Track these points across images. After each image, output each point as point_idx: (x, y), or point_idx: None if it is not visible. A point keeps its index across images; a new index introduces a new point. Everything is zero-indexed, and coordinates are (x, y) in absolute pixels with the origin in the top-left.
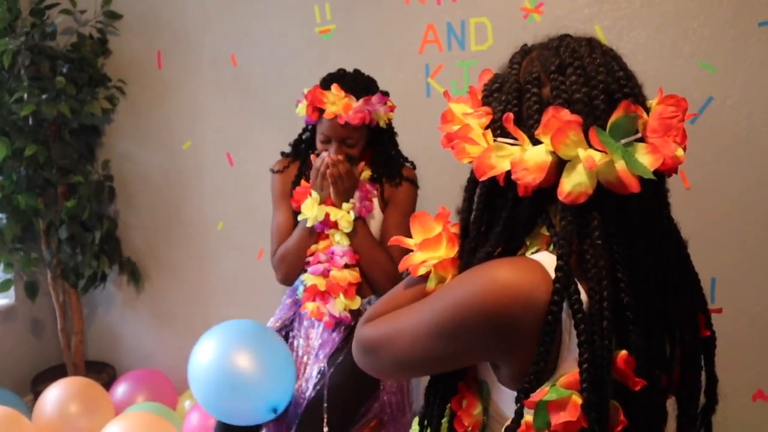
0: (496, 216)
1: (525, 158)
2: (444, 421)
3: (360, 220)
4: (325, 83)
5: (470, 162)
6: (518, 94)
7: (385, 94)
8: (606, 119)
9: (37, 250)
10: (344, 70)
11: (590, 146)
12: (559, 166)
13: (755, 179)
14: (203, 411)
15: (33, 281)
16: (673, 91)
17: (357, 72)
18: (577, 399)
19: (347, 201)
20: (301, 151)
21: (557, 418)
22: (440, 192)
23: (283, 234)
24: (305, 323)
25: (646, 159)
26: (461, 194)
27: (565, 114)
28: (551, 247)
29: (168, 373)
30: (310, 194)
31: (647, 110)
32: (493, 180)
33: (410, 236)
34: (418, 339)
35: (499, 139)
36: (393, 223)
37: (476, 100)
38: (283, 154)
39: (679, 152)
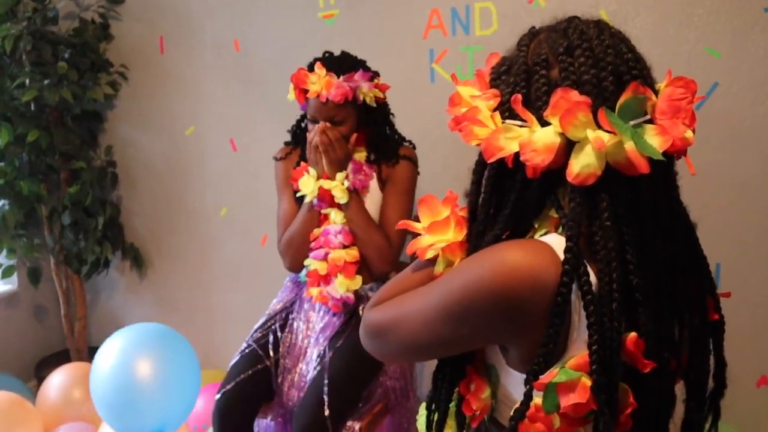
0: (505, 198)
1: (534, 139)
2: (452, 405)
3: (354, 194)
4: (310, 66)
5: (478, 144)
6: (526, 76)
7: (374, 73)
8: (615, 101)
9: (39, 236)
10: (330, 53)
11: (599, 127)
12: (568, 147)
13: (760, 166)
14: (207, 396)
15: (36, 267)
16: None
17: (343, 53)
18: (587, 381)
19: (340, 171)
20: (300, 137)
21: (566, 400)
22: (444, 176)
23: (288, 221)
24: (306, 306)
25: (655, 140)
26: (467, 178)
27: (574, 95)
28: (560, 229)
29: None
30: (307, 171)
31: (656, 93)
32: (501, 162)
33: (409, 214)
34: (426, 322)
35: (507, 120)
36: (391, 201)
37: (484, 82)
38: (286, 143)
39: (688, 134)
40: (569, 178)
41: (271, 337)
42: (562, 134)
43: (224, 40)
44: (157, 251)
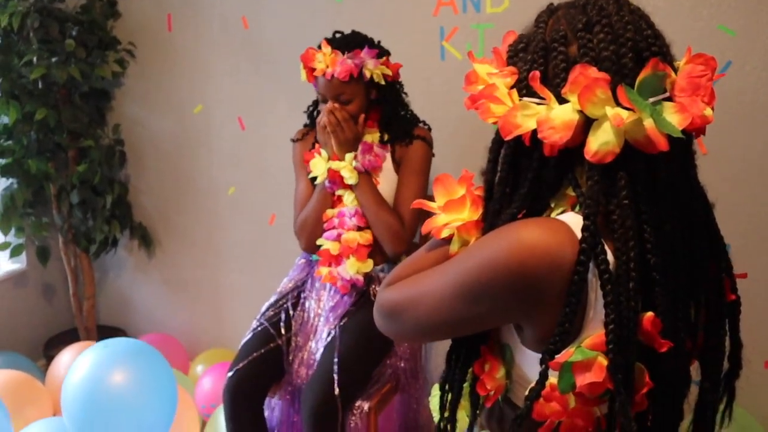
0: (522, 177)
1: (551, 117)
2: (465, 385)
3: (364, 175)
4: (319, 46)
5: (495, 122)
6: (544, 53)
7: (383, 51)
8: (634, 78)
9: (48, 214)
10: (341, 32)
11: (618, 104)
12: (586, 125)
13: None
14: (215, 376)
15: (44, 246)
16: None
17: (353, 32)
18: (603, 360)
19: (349, 152)
20: (316, 118)
21: (582, 380)
22: (455, 156)
23: (303, 202)
24: (317, 285)
25: (675, 118)
26: (477, 157)
27: (593, 72)
28: (576, 207)
29: (179, 338)
30: (319, 153)
31: (675, 70)
32: (518, 140)
33: (424, 194)
34: (441, 301)
35: (525, 98)
36: (405, 182)
37: (501, 60)
38: (305, 125)
39: (708, 112)
40: (587, 156)
41: (283, 316)
42: (580, 111)
43: (232, 17)
44: (165, 230)
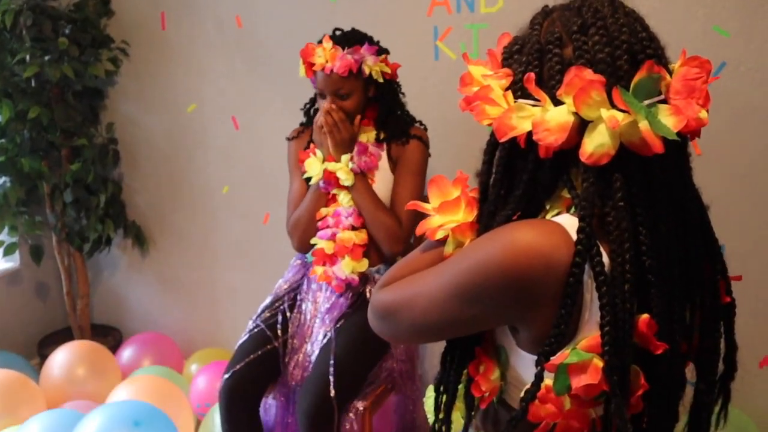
0: (517, 179)
1: (547, 119)
2: (460, 387)
3: (360, 176)
4: (320, 42)
5: (490, 124)
6: (539, 55)
7: (382, 49)
8: (629, 80)
9: (41, 213)
10: (341, 29)
11: (613, 106)
12: (581, 127)
13: (767, 146)
14: (210, 375)
15: (38, 245)
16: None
17: (353, 29)
18: (598, 362)
19: (345, 153)
20: (312, 116)
21: (578, 382)
22: (449, 155)
23: (297, 201)
24: (313, 286)
25: (670, 120)
26: (471, 157)
27: (588, 74)
28: (572, 209)
29: (173, 337)
30: (314, 153)
31: (670, 72)
32: (513, 142)
33: (420, 194)
34: (436, 302)
35: (520, 100)
36: (401, 182)
37: (496, 62)
38: (301, 123)
39: (703, 114)
40: (583, 158)
41: (279, 317)
42: (575, 113)
43: (226, 16)
44: (159, 229)
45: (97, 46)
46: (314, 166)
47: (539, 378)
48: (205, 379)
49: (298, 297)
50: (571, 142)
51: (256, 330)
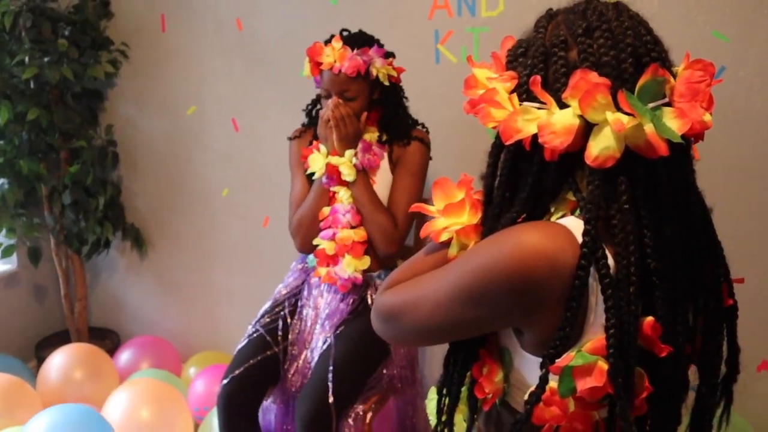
0: (521, 181)
1: (552, 121)
2: (463, 389)
3: (362, 173)
4: (327, 41)
5: (495, 127)
6: (544, 58)
7: (389, 53)
8: (634, 83)
9: (39, 215)
10: (348, 30)
11: (618, 109)
12: (586, 130)
13: (766, 151)
14: (208, 378)
15: (36, 247)
16: None
17: (360, 31)
18: (603, 365)
19: (350, 148)
20: (314, 117)
21: (583, 384)
22: (449, 158)
23: (299, 201)
24: (314, 292)
25: (674, 123)
26: (471, 160)
27: (594, 77)
28: (576, 212)
29: (171, 340)
30: (318, 149)
31: (674, 76)
32: (518, 144)
33: (419, 196)
34: (441, 305)
35: (525, 103)
36: (400, 183)
37: (500, 65)
38: (303, 124)
39: (707, 117)
40: (588, 161)
41: (279, 323)
42: (580, 116)
43: (226, 18)
44: (157, 232)
45: (96, 48)
46: (318, 161)
47: (544, 380)
48: (203, 382)
49: (299, 302)
50: (576, 145)
51: (255, 335)
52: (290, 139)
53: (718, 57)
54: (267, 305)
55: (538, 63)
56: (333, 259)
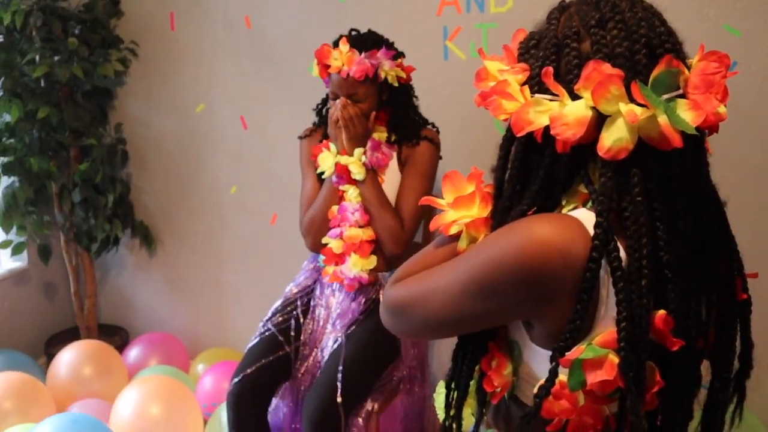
0: (533, 174)
1: (564, 113)
2: (471, 383)
3: (371, 172)
4: (335, 42)
5: (506, 119)
6: (557, 50)
7: (399, 53)
8: (647, 74)
9: (49, 213)
10: (357, 30)
11: (632, 101)
12: (599, 121)
13: None
14: (217, 375)
15: (46, 244)
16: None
17: (369, 31)
18: (614, 358)
19: (359, 147)
20: (325, 116)
21: (593, 377)
22: (457, 155)
23: (310, 200)
24: (327, 291)
25: (689, 115)
26: (479, 157)
27: (607, 68)
28: (588, 204)
29: (180, 337)
30: (328, 148)
31: (688, 68)
32: (530, 137)
33: (428, 196)
34: (451, 297)
35: (537, 94)
36: (409, 183)
37: (512, 57)
38: (314, 124)
39: (722, 109)
40: (600, 153)
41: (292, 323)
42: (593, 108)
43: (235, 16)
44: (166, 229)
45: (106, 46)
46: (327, 160)
47: (554, 373)
48: (212, 379)
49: (312, 302)
50: (588, 136)
51: (267, 334)
52: (301, 138)
53: (730, 51)
54: (278, 303)
55: (550, 55)
56: (340, 258)
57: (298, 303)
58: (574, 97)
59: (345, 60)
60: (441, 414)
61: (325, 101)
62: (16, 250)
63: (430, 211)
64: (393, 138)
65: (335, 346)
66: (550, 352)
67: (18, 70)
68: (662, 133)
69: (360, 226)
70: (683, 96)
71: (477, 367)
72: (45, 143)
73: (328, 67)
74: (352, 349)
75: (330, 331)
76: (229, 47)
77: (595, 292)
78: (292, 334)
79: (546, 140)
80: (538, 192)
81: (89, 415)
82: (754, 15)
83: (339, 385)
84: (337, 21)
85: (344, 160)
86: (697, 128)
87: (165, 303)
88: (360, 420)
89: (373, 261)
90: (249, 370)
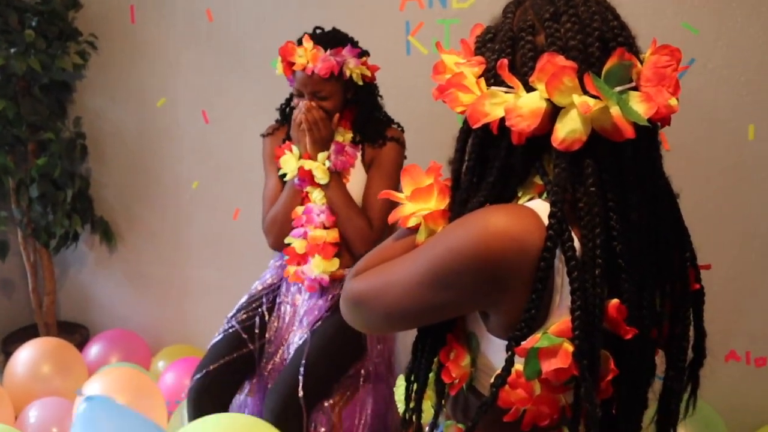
0: (489, 165)
1: (519, 105)
2: (431, 375)
3: (335, 175)
4: (299, 41)
5: (463, 111)
6: (512, 43)
7: (363, 51)
8: (600, 67)
9: (6, 208)
10: (321, 28)
11: (585, 93)
12: (554, 113)
13: (732, 142)
14: (178, 371)
15: (3, 240)
16: None
17: (334, 29)
18: (569, 347)
19: (323, 151)
20: (289, 115)
21: (548, 366)
22: (420, 150)
23: (273, 199)
24: (292, 288)
25: (641, 107)
26: (442, 150)
27: (560, 60)
28: (544, 195)
29: (141, 334)
30: (290, 150)
31: (641, 62)
32: (486, 128)
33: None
34: (410, 289)
35: (493, 87)
36: (374, 184)
37: (469, 51)
38: (276, 120)
39: (673, 101)
40: (554, 144)
41: (257, 320)
42: (548, 100)
43: (196, 9)
44: (127, 225)
45: (64, 39)
46: (290, 163)
47: (510, 363)
48: (174, 375)
49: (278, 299)
50: (543, 128)
51: (231, 331)
52: (263, 136)
53: (688, 49)
54: (243, 300)
55: (505, 48)
56: (303, 258)
57: (264, 300)
58: (529, 89)
59: (310, 57)
60: (401, 407)
61: (288, 100)
62: None
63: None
64: (357, 138)
65: (300, 342)
66: (506, 342)
67: None
68: (615, 125)
69: (325, 228)
70: (636, 88)
71: (436, 359)
72: (1, 137)
73: (293, 64)
74: (316, 344)
75: (296, 328)
76: (190, 40)
77: (550, 282)
78: (257, 331)
79: (502, 132)
80: (495, 183)
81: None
82: (712, 13)
83: (301, 379)
84: (299, 14)
85: (308, 164)
86: (650, 120)
87: (126, 299)
88: (322, 414)
89: (335, 263)
90: (212, 367)
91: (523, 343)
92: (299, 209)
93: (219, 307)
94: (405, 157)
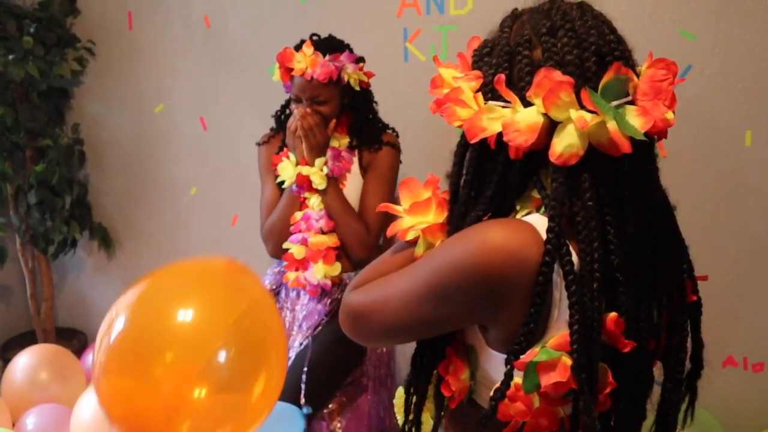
0: (487, 179)
1: (516, 119)
2: (430, 387)
3: (332, 180)
4: (297, 47)
5: (460, 126)
6: (509, 57)
7: (360, 58)
8: (597, 81)
9: (5, 215)
10: (318, 35)
11: (582, 107)
12: (551, 128)
13: (731, 149)
14: None
15: (1, 247)
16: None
17: (330, 36)
18: (567, 360)
19: (319, 157)
20: (284, 122)
21: (547, 379)
22: (418, 157)
23: (270, 207)
24: (291, 294)
25: (637, 121)
26: (440, 158)
27: (557, 75)
28: (541, 209)
29: None
30: (287, 157)
31: (637, 75)
32: (483, 143)
33: (389, 201)
34: (408, 303)
35: (490, 101)
36: (371, 188)
37: (466, 64)
38: (271, 129)
39: (669, 115)
40: (552, 158)
41: None
42: (545, 114)
43: (194, 16)
44: (125, 231)
45: (62, 45)
46: (287, 170)
47: (509, 376)
48: None
49: (276, 305)
50: (540, 142)
51: None
52: (259, 144)
53: (685, 55)
54: None
55: (503, 62)
56: (302, 264)
57: None
58: (526, 104)
59: (309, 62)
60: (401, 419)
61: (284, 107)
62: None
63: (392, 215)
64: (354, 143)
65: (301, 347)
66: (505, 356)
67: None
68: (612, 139)
69: (324, 233)
70: (632, 102)
71: (435, 372)
72: None
73: (291, 70)
74: (318, 350)
75: (296, 333)
76: (188, 47)
77: (548, 296)
78: None
79: (499, 146)
80: (493, 197)
81: None
82: (709, 20)
83: (303, 386)
84: (297, 21)
85: (305, 171)
86: (646, 134)
87: None
88: (324, 420)
89: (337, 268)
90: None
91: (522, 356)
92: (297, 215)
93: None
94: (400, 162)
